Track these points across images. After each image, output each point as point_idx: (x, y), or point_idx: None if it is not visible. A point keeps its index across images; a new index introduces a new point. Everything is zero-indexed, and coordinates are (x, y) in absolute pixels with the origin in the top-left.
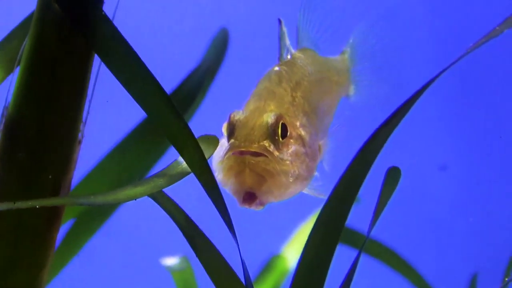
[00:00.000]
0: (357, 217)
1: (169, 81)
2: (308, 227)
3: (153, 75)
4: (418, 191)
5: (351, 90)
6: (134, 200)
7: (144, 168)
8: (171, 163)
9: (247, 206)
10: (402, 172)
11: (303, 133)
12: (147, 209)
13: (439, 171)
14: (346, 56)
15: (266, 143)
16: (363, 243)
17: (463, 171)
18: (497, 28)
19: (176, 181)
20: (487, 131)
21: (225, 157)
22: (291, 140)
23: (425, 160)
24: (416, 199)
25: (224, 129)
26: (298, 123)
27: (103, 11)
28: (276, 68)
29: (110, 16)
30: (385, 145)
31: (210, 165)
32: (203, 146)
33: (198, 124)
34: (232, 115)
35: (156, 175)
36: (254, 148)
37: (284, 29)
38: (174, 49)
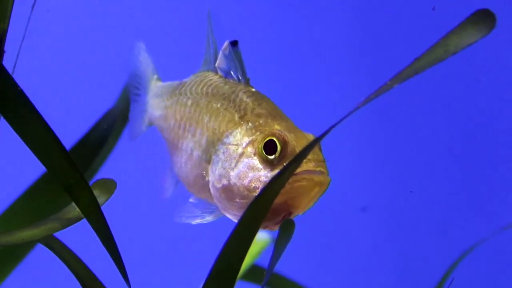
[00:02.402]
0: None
1: (81, 125)
2: None
3: (50, 129)
4: (339, 231)
5: None
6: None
7: (56, 212)
8: (67, 207)
9: (274, 227)
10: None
11: None
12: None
13: (361, 212)
14: None
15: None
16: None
17: (384, 212)
18: (388, 82)
19: (72, 224)
20: (409, 172)
21: (299, 175)
22: None
23: (346, 201)
24: (337, 239)
25: (258, 149)
26: None
27: (1, 64)
28: (253, 89)
29: (11, 64)
30: None
31: (103, 212)
32: (100, 190)
33: (111, 167)
34: (282, 134)
35: (51, 218)
36: (325, 167)
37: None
38: (87, 93)
